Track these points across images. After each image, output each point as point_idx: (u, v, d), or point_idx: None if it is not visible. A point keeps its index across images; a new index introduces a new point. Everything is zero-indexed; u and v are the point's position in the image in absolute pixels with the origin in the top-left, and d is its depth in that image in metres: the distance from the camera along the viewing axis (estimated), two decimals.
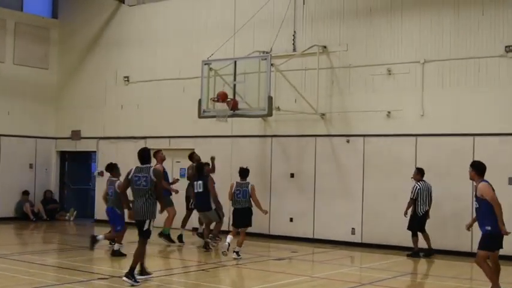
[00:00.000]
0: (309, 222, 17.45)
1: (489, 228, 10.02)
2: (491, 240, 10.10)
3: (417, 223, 14.97)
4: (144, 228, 10.86)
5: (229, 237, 14.49)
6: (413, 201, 14.90)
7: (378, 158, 16.49)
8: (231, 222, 15.73)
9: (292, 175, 17.81)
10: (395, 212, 15.81)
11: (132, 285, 10.55)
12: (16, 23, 22.34)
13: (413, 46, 16.19)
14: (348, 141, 16.96)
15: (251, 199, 14.46)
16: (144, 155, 11.06)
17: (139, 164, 11.06)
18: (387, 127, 16.38)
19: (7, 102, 21.96)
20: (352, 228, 16.77)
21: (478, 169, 10.42)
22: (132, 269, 10.75)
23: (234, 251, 14.14)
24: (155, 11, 21.01)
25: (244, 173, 14.64)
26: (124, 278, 10.69)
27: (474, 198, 10.44)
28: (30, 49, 22.78)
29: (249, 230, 14.86)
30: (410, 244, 15.17)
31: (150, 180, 10.78)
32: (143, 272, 11.16)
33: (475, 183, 10.44)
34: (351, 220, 16.79)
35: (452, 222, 15.19)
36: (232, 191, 14.50)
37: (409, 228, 15.10)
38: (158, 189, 10.95)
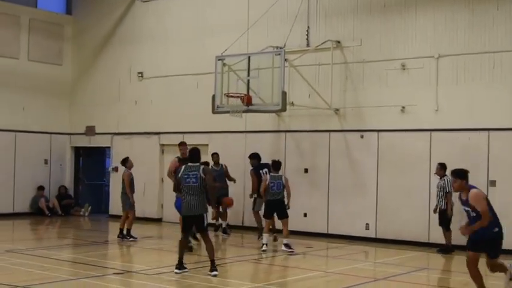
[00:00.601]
0: (323, 218, 17.43)
1: (497, 229, 9.51)
2: (501, 242, 9.62)
3: (450, 217, 14.73)
4: (205, 224, 11.43)
5: (265, 237, 14.75)
6: (450, 196, 14.52)
7: (392, 153, 16.43)
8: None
9: (306, 170, 17.79)
10: (410, 207, 15.81)
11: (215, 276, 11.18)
12: (30, 19, 22.44)
13: (427, 41, 16.09)
14: (361, 137, 16.91)
15: (285, 191, 14.90)
16: (194, 155, 11.68)
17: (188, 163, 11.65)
18: (401, 122, 16.32)
19: (22, 98, 22.08)
20: (366, 224, 16.73)
21: (464, 176, 9.37)
22: (212, 261, 11.36)
23: (283, 244, 14.51)
24: (168, 6, 21.02)
25: (277, 165, 15.08)
26: (213, 273, 11.26)
27: (466, 207, 9.51)
28: (45, 45, 22.87)
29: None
30: (425, 239, 15.12)
31: (199, 177, 11.31)
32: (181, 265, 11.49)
33: (462, 192, 9.43)
34: (365, 215, 16.75)
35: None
36: (267, 183, 14.83)
37: (441, 224, 14.83)
38: (209, 186, 11.45)
